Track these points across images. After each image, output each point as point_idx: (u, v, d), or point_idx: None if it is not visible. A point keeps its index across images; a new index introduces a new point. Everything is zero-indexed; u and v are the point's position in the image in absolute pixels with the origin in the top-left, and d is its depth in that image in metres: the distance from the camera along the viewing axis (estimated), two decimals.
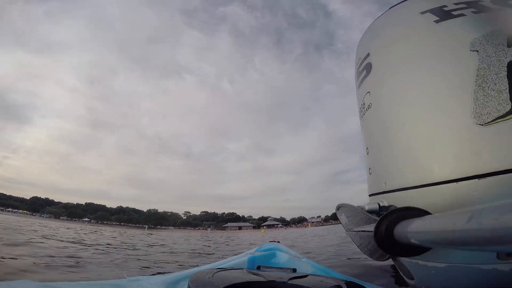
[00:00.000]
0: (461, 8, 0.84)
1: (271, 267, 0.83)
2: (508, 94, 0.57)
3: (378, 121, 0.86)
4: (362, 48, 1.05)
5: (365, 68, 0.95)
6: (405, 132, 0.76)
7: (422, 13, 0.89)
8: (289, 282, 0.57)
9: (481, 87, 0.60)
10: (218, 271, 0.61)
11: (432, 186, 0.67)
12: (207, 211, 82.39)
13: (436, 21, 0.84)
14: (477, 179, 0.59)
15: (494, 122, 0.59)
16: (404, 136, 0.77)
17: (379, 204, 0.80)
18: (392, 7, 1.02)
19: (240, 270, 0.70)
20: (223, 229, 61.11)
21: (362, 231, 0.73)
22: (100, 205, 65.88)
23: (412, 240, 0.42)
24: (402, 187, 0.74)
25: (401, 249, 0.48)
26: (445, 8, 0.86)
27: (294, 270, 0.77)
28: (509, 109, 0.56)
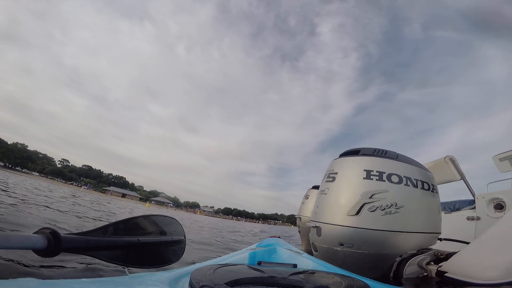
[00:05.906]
0: (373, 175, 1.71)
1: (272, 263, 0.85)
2: (357, 211, 2.26)
3: (328, 199, 2.46)
4: (336, 166, 2.31)
5: (332, 177, 2.48)
6: (334, 204, 2.39)
7: (364, 170, 1.74)
8: (290, 277, 0.57)
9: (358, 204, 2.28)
10: (219, 267, 0.62)
11: (334, 225, 2.32)
12: (91, 166, 68.93)
13: (363, 178, 1.74)
14: (347, 227, 2.25)
15: (350, 215, 2.28)
16: (333, 204, 2.39)
17: (316, 225, 2.41)
18: (359, 154, 1.88)
19: (241, 266, 0.71)
20: (103, 192, 52.96)
21: None
22: None
23: None
24: (325, 222, 2.36)
25: None
26: (371, 172, 1.70)
27: (295, 266, 0.79)
28: (354, 214, 2.25)
